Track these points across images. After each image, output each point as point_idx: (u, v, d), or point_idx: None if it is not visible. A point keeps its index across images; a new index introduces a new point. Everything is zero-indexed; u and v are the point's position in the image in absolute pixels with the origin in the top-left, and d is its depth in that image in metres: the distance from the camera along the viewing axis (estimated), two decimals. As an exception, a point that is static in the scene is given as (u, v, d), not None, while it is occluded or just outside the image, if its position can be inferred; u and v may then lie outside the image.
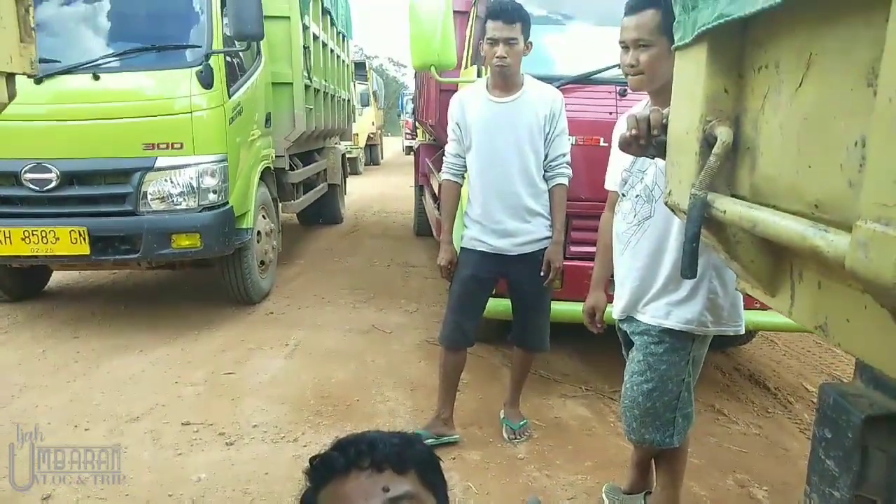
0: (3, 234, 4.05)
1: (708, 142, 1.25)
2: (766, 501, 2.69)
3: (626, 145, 1.56)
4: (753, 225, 1.04)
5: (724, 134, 1.20)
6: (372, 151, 20.90)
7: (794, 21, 1.04)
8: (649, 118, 1.49)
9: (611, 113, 3.34)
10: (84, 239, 4.05)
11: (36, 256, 4.14)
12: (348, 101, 9.98)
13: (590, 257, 2.74)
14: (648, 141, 1.51)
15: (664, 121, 1.47)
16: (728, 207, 1.14)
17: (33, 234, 4.04)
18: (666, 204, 1.46)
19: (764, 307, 3.32)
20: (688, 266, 1.25)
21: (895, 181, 0.76)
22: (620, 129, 1.81)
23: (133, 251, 4.18)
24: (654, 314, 2.18)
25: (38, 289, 5.41)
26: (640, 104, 2.29)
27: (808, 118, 1.02)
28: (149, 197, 4.15)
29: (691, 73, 1.29)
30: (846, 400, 1.00)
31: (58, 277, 5.76)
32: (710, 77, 1.23)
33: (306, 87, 6.26)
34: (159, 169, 4.14)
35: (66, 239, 4.05)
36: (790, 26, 1.05)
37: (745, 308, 2.67)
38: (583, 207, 3.37)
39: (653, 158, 1.71)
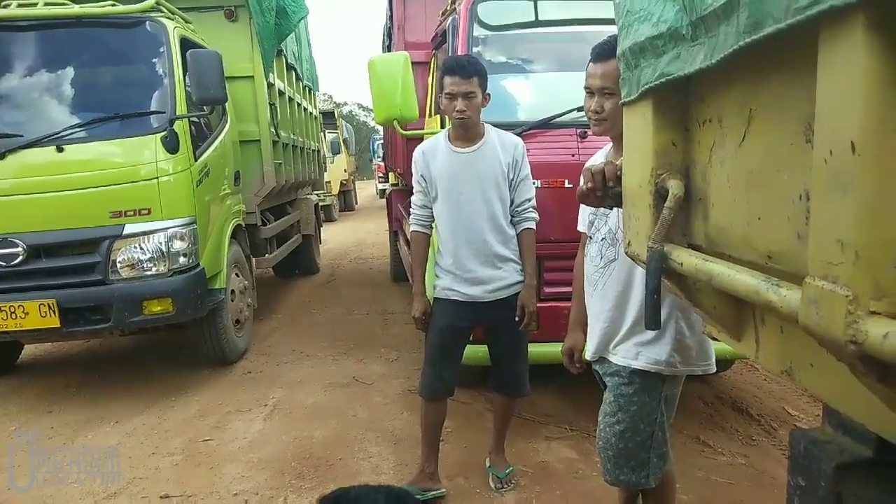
0: (-30, 312, 3.96)
1: (660, 194, 1.28)
2: (757, 535, 2.67)
3: (583, 197, 1.59)
4: (710, 278, 1.06)
5: (675, 187, 1.22)
6: (346, 197, 20.96)
7: (731, 79, 1.07)
8: (604, 171, 1.52)
9: (573, 155, 3.40)
10: (54, 312, 3.98)
11: (6, 332, 4.05)
12: (318, 150, 10.03)
13: (564, 297, 2.76)
14: (605, 193, 1.54)
15: (618, 173, 1.50)
16: (685, 260, 1.15)
17: (1, 311, 3.96)
18: (626, 254, 1.48)
19: (739, 336, 3.34)
20: (650, 317, 1.26)
21: (837, 239, 0.77)
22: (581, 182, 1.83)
23: (104, 320, 4.10)
24: (623, 355, 2.19)
25: (10, 364, 5.28)
26: (600, 152, 2.34)
27: (753, 171, 1.04)
28: (118, 265, 4.10)
29: (640, 128, 1.32)
30: (816, 447, 1.00)
31: (30, 349, 5.63)
32: (657, 131, 1.26)
33: (274, 142, 6.28)
34: (127, 236, 4.10)
35: (36, 313, 3.97)
36: (728, 83, 1.08)
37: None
38: (554, 249, 3.40)
39: (610, 209, 1.73)
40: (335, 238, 13.12)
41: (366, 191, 26.34)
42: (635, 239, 1.39)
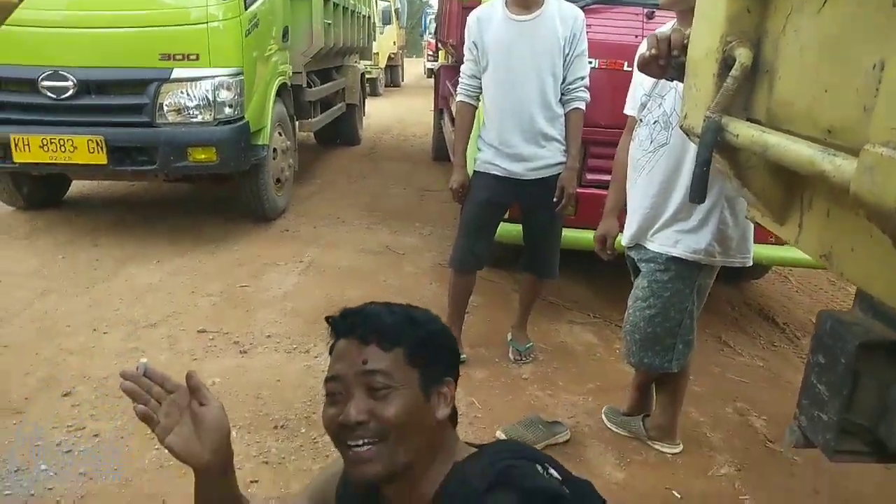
0: (22, 142, 4.08)
1: (727, 64, 1.22)
2: (763, 430, 2.76)
3: (644, 65, 1.53)
4: (765, 149, 1.03)
5: (743, 56, 1.17)
6: (392, 72, 20.48)
7: (823, -65, 0.99)
8: (670, 38, 1.45)
9: (636, 36, 3.24)
10: (102, 149, 4.07)
11: (54, 164, 4.18)
12: (369, 18, 9.73)
13: (605, 185, 2.72)
14: (668, 62, 1.48)
15: (685, 41, 1.43)
16: (741, 131, 1.12)
17: (51, 143, 4.07)
18: (681, 128, 1.44)
19: (779, 242, 3.31)
20: (697, 190, 1.24)
21: (907, 105, 0.74)
22: (642, 49, 1.76)
23: (150, 163, 4.20)
24: (662, 242, 2.19)
25: (58, 197, 5.48)
26: (667, 26, 2.22)
27: (828, 40, 0.99)
28: (165, 109, 4.14)
29: (715, -9, 1.25)
30: (842, 326, 1.01)
31: (77, 187, 5.81)
32: (732, -5, 1.19)
33: (325, 0, 6.10)
34: (175, 80, 4.11)
35: (84, 148, 4.07)
36: (819, -59, 1.01)
37: (759, 242, 2.65)
38: (601, 134, 3.32)
39: (671, 81, 1.67)
40: (378, 113, 12.97)
41: (413, 69, 25.70)
42: (693, 111, 1.35)
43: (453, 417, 1.13)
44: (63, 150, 4.07)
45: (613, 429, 2.67)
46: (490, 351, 3.32)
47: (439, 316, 1.17)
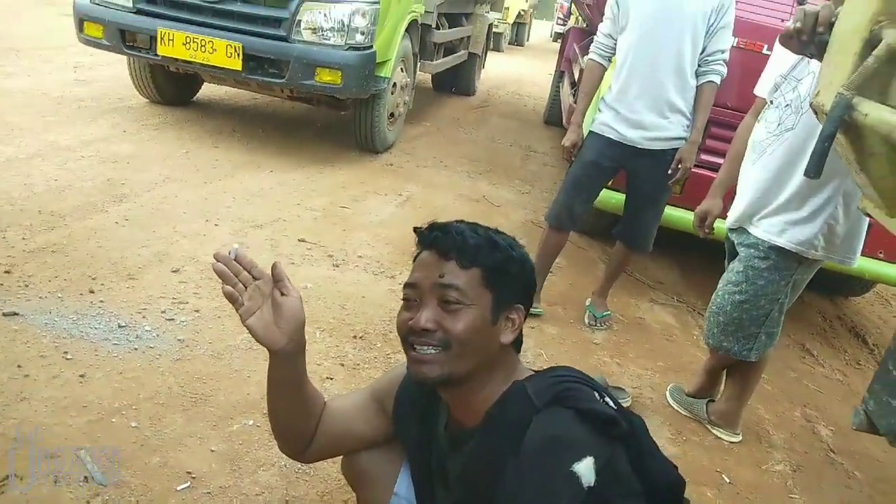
0: (168, 36, 4.36)
1: (872, 44, 1.20)
2: (828, 439, 2.70)
3: (786, 39, 1.51)
4: (892, 129, 1.03)
5: (891, 36, 1.15)
6: (519, 30, 20.19)
7: None
8: (818, 14, 1.42)
9: (783, 20, 3.12)
10: (238, 55, 4.30)
11: (192, 63, 4.45)
12: (506, -30, 9.63)
13: (717, 168, 2.68)
14: (811, 38, 1.45)
15: (833, 18, 1.40)
16: (871, 110, 1.11)
17: (193, 41, 4.32)
18: (811, 105, 1.43)
19: (888, 259, 3.16)
20: (814, 165, 1.24)
21: None
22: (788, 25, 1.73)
23: (279, 76, 4.40)
24: (767, 229, 2.16)
25: (189, 97, 5.82)
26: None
27: None
28: (302, 26, 4.31)
29: (875, -32, 1.22)
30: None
31: (206, 91, 6.15)
32: (894, -26, 1.16)
33: (468, -55, 6.09)
34: (317, 0, 4.27)
35: (223, 52, 4.31)
36: None
37: (867, 256, 2.55)
38: (725, 115, 3.25)
39: (810, 58, 1.64)
40: (498, 68, 12.89)
41: (540, 30, 25.22)
42: (826, 89, 1.33)
43: (518, 343, 1.20)
44: (203, 50, 4.32)
45: (675, 406, 2.69)
46: (567, 312, 3.37)
47: (524, 247, 1.22)
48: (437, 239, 1.13)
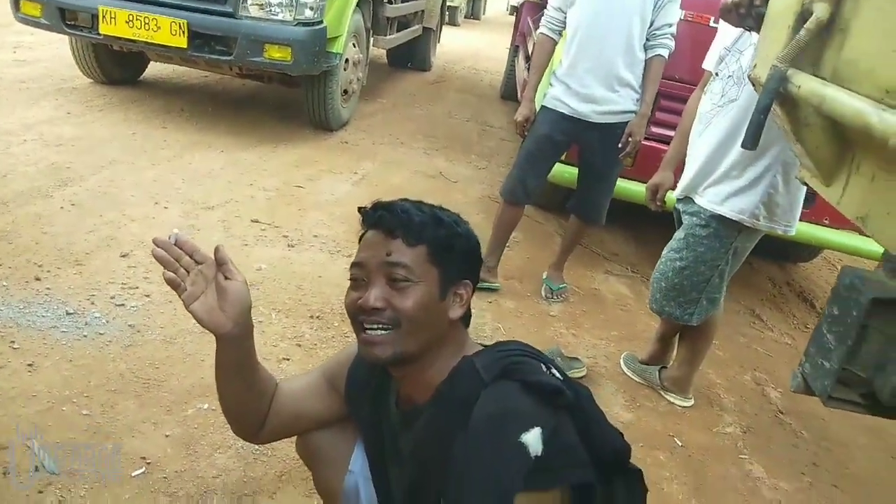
0: (110, 14, 4.20)
1: (804, 17, 1.23)
2: (777, 401, 2.80)
3: (725, 12, 1.53)
4: (822, 101, 1.06)
5: (820, 9, 1.17)
6: (474, 4, 20.04)
7: None
8: (755, -13, 1.45)
9: (728, -7, 3.15)
10: (183, 32, 4.18)
11: (136, 41, 4.31)
12: (459, -58, 9.51)
13: (668, 141, 2.73)
14: (748, 11, 1.48)
15: (769, -9, 1.43)
16: (803, 83, 1.14)
17: (137, 19, 4.18)
18: (748, 77, 1.46)
19: (834, 224, 3.27)
20: (751, 137, 1.27)
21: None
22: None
23: (227, 53, 4.30)
24: (710, 199, 2.21)
25: (135, 77, 5.65)
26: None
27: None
28: (249, 1, 4.21)
29: (805, -58, 1.24)
30: (860, 281, 1.05)
31: (153, 71, 5.98)
32: (823, -53, 1.19)
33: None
34: (262, -26, 4.16)
35: (167, 29, 4.18)
36: None
37: (813, 223, 2.62)
38: (675, 89, 3.29)
39: (749, 31, 1.67)
40: (454, 42, 12.79)
41: (496, 4, 25.07)
42: (762, 62, 1.36)
43: (467, 318, 1.21)
44: (147, 28, 4.19)
45: (629, 374, 2.75)
46: (523, 285, 3.41)
47: (468, 223, 1.22)
48: (382, 218, 1.12)
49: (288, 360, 2.40)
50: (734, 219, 2.16)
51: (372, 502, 1.31)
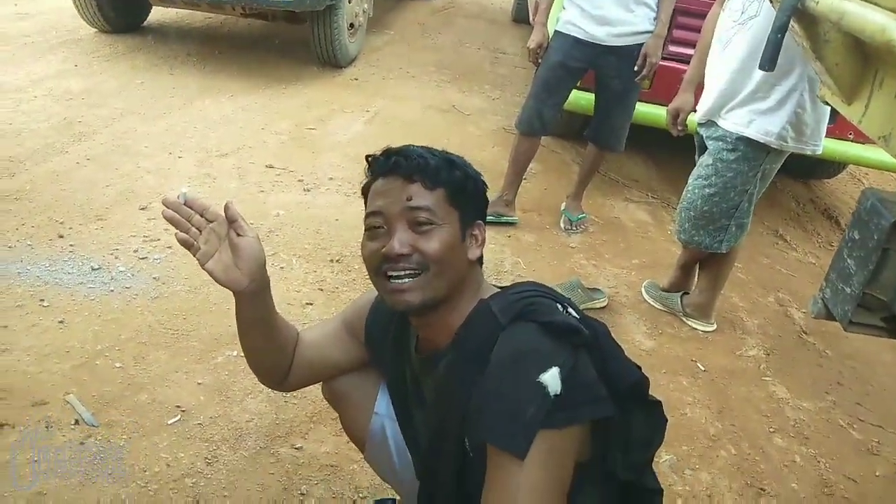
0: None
1: (824, -76, 1.16)
2: (801, 322, 2.80)
3: None
4: (841, 16, 1.01)
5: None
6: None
7: None
8: None
9: None
10: (183, -27, 4.08)
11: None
12: None
13: (687, 60, 2.63)
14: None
15: None
16: (822, -1, 1.08)
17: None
18: (765, -8, 1.39)
19: (858, 139, 3.18)
20: (768, 58, 1.22)
21: None
22: None
23: (227, -8, 4.20)
24: (735, 121, 2.15)
25: (138, 24, 5.55)
26: None
27: None
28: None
29: None
30: (882, 204, 1.02)
31: (156, 16, 5.86)
32: None
33: None
34: None
35: (166, -28, 4.08)
36: None
37: (837, 138, 2.54)
38: (692, 3, 3.17)
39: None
40: (461, -35, 12.34)
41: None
42: (780, -24, 1.29)
43: (480, 260, 1.21)
44: (145, -29, 4.08)
45: (651, 302, 2.76)
46: (542, 217, 3.38)
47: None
48: (398, 163, 1.11)
49: (311, 304, 2.43)
50: (761, 141, 2.10)
51: (398, 441, 1.35)
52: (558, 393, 0.96)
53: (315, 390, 1.95)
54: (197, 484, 1.68)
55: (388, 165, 1.12)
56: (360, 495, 1.72)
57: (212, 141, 3.66)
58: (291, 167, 3.49)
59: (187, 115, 3.98)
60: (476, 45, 6.73)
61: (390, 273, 1.08)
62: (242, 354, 2.07)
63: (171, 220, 1.10)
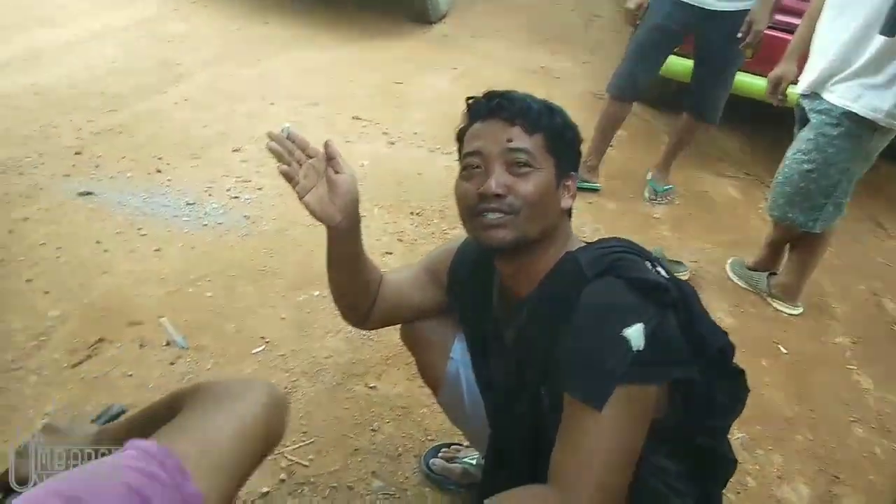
0: None
1: None
2: (893, 313, 2.66)
3: None
4: None
5: None
6: None
7: None
8: None
9: None
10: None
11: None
12: None
13: (793, 30, 2.49)
14: None
15: None
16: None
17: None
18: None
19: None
20: (889, 24, 1.14)
21: None
22: None
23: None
24: (842, 94, 2.03)
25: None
26: None
27: None
28: None
29: None
30: None
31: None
32: None
33: None
34: None
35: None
36: None
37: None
38: (805, -31, 2.97)
39: None
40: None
41: None
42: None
43: (569, 212, 1.20)
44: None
45: (735, 280, 2.67)
46: (626, 186, 3.31)
47: None
48: (500, 105, 1.11)
49: (391, 253, 2.48)
50: (869, 118, 1.98)
51: (472, 387, 1.37)
52: (641, 349, 0.95)
53: (390, 334, 2.01)
54: (276, 411, 1.76)
55: (490, 107, 1.12)
56: (429, 437, 1.77)
57: (302, 89, 3.74)
58: (377, 119, 3.53)
59: (280, 64, 4.07)
60: (570, 7, 6.57)
61: (484, 212, 1.08)
62: (324, 295, 2.17)
63: (274, 153, 1.14)
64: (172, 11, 4.65)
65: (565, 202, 1.14)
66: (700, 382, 1.04)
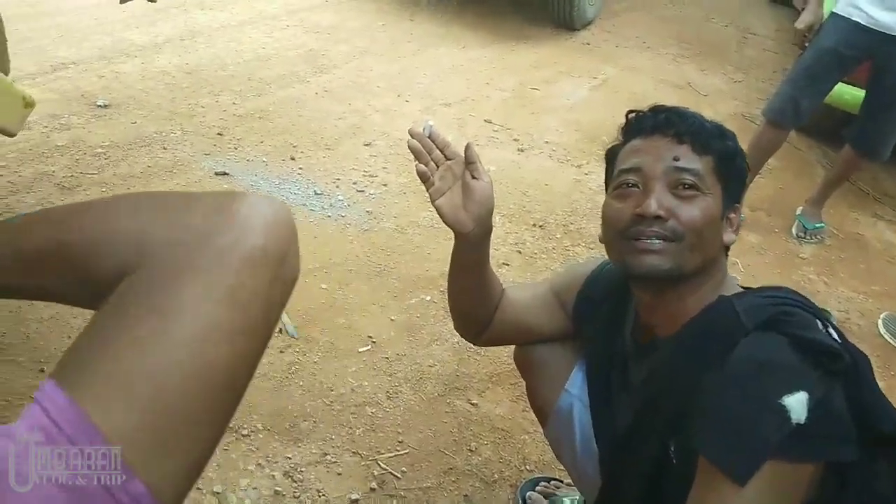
0: None
1: None
2: None
3: None
4: None
5: None
6: None
7: None
8: None
9: None
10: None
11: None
12: None
13: None
14: None
15: None
16: None
17: None
18: None
19: None
20: None
21: None
22: None
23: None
24: None
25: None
26: None
27: None
28: None
29: None
30: None
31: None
32: None
33: None
34: None
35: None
36: None
37: None
38: None
39: None
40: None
41: None
42: None
43: (727, 249, 1.06)
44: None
45: (887, 337, 2.38)
46: (772, 219, 3.04)
47: None
48: (668, 120, 1.00)
49: (508, 265, 2.39)
50: None
51: (585, 428, 1.26)
52: (801, 422, 0.81)
53: (498, 350, 1.93)
54: (375, 415, 1.73)
55: (657, 122, 1.01)
56: (527, 467, 1.67)
57: (438, 89, 3.72)
58: (509, 125, 3.45)
59: (420, 61, 4.08)
60: (724, 22, 6.20)
61: (640, 236, 0.96)
62: (435, 301, 2.12)
63: (414, 150, 1.10)
64: (323, 3, 4.80)
65: (728, 236, 1.01)
66: (861, 465, 0.88)
